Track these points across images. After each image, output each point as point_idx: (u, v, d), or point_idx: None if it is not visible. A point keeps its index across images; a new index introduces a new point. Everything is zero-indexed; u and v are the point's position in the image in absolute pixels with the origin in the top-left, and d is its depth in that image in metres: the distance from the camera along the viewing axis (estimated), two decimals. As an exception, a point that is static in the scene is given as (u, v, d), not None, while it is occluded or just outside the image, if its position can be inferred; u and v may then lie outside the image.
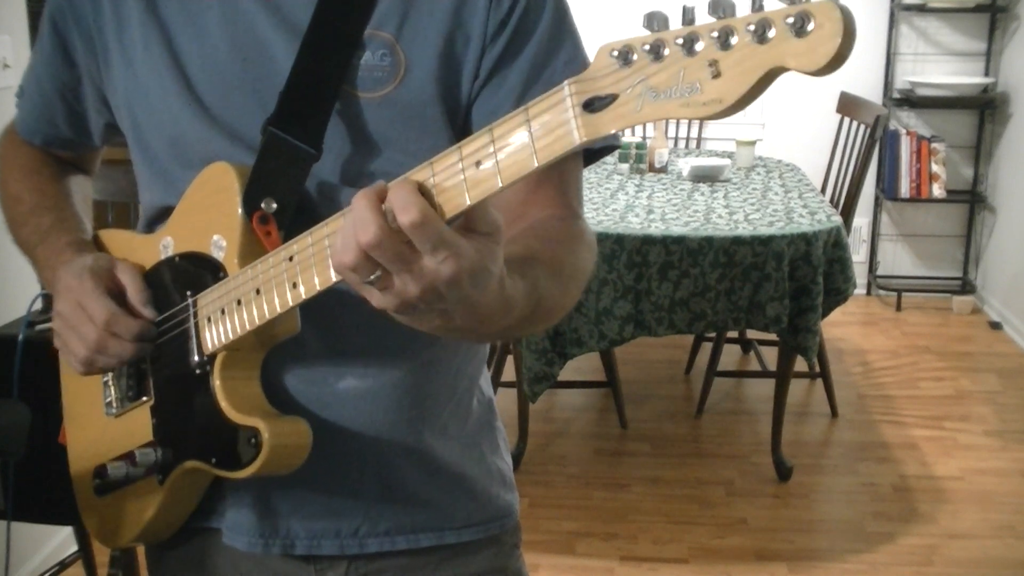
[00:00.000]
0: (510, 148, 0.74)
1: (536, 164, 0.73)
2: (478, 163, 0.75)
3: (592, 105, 0.70)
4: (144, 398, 1.07)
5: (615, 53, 0.69)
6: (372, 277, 0.77)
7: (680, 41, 0.65)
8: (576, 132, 0.71)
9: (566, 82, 0.71)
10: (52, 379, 1.20)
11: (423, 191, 0.76)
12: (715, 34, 0.64)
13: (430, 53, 1.01)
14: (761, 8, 0.63)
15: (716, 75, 0.64)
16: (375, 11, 1.00)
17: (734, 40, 0.63)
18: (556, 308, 0.95)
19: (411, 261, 0.75)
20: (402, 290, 0.76)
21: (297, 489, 1.08)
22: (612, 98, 0.69)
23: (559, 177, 1.05)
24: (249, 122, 1.00)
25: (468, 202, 0.76)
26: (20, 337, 1.25)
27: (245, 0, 1.01)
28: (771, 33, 0.62)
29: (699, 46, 0.65)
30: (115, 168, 1.31)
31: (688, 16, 0.66)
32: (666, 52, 0.66)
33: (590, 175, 3.89)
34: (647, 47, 0.67)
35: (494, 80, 1.02)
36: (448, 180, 0.76)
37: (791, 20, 0.61)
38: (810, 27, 0.61)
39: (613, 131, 0.69)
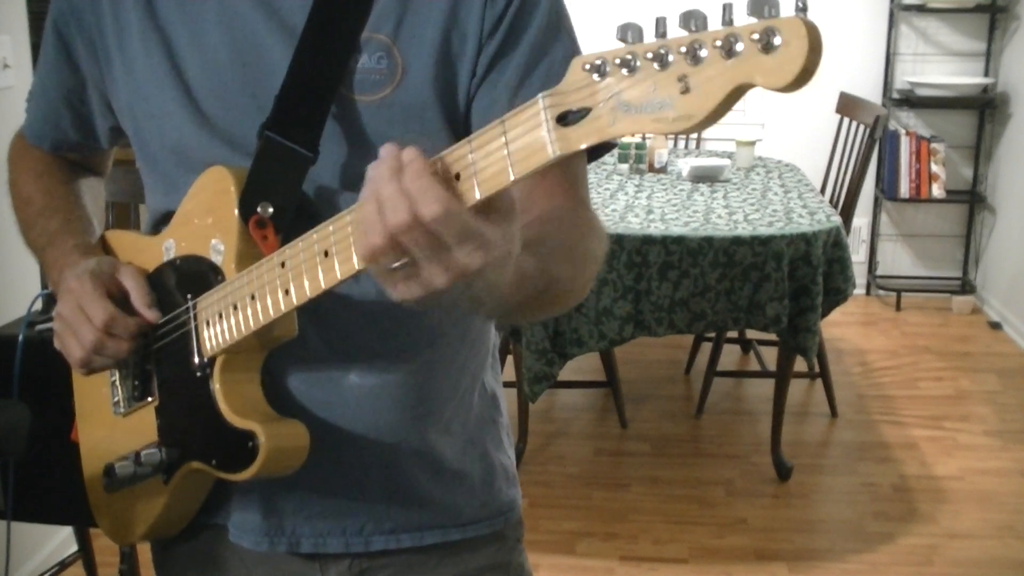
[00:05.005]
0: (487, 161, 0.73)
1: (512, 178, 0.73)
2: (457, 176, 0.75)
3: (566, 119, 0.69)
4: (149, 399, 1.09)
5: (588, 66, 0.68)
6: (398, 264, 0.75)
7: (651, 55, 0.64)
8: (550, 146, 0.71)
9: (540, 95, 0.71)
10: (52, 379, 1.21)
11: (446, 176, 0.75)
12: (684, 49, 0.63)
13: (427, 55, 1.01)
14: (730, 23, 0.62)
15: (685, 91, 0.63)
16: (371, 14, 1.00)
17: (703, 55, 0.62)
18: (570, 290, 0.94)
19: (441, 249, 0.73)
20: (429, 281, 0.75)
21: (302, 489, 1.08)
22: (586, 112, 0.68)
23: (565, 167, 1.04)
24: (248, 127, 1.01)
25: None
26: (20, 337, 1.25)
27: (242, 4, 1.02)
28: (739, 48, 0.61)
29: (670, 59, 0.64)
30: (116, 168, 1.32)
31: (661, 29, 0.65)
32: (638, 66, 0.65)
33: (590, 175, 3.89)
34: (619, 60, 0.66)
35: (491, 75, 1.02)
36: None
37: (756, 36, 0.60)
38: (777, 42, 0.60)
39: (586, 145, 0.69)
